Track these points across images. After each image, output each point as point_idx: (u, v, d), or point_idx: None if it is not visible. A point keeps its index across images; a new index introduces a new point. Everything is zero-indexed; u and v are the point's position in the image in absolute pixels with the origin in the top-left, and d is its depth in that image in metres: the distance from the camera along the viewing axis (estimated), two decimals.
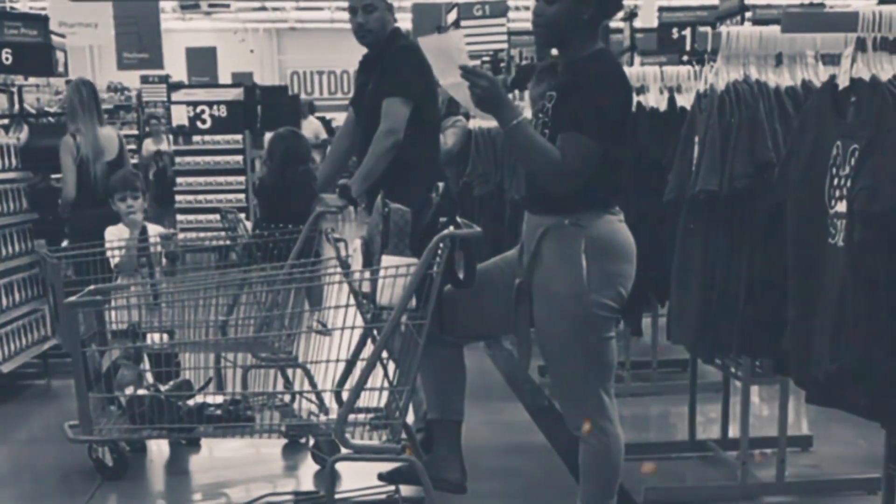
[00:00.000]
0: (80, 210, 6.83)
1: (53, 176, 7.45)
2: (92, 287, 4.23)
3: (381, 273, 3.81)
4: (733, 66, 4.28)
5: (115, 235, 5.59)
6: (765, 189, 4.02)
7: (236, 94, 12.64)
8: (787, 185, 3.62)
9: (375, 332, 4.00)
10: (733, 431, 5.15)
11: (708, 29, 5.45)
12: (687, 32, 10.94)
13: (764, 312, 4.12)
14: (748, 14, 8.88)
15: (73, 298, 4.08)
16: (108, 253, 5.32)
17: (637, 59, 10.55)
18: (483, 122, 7.37)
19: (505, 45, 11.97)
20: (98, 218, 6.18)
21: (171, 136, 14.26)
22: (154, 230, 5.80)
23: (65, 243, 6.70)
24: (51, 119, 8.47)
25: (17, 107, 9.04)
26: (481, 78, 3.46)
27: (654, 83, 5.65)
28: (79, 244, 5.26)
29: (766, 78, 4.24)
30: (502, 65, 11.53)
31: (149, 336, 4.78)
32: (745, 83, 4.20)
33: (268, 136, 10.93)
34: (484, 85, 3.44)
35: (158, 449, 5.50)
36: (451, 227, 3.77)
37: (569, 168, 3.49)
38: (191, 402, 4.42)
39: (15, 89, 9.28)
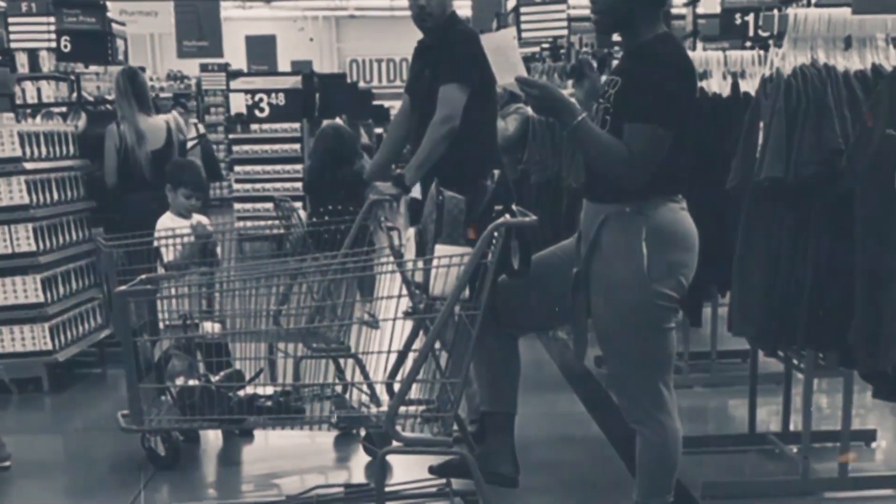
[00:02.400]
0: (128, 196, 6.81)
1: None
2: (144, 276, 4.18)
3: (434, 262, 3.74)
4: (800, 50, 4.19)
5: (167, 226, 5.51)
6: (832, 177, 3.91)
7: (294, 82, 12.66)
8: (856, 173, 3.51)
9: (428, 322, 3.93)
10: (794, 424, 5.06)
11: (774, 11, 5.29)
12: (750, 18, 10.74)
13: (830, 304, 4.02)
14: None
15: (124, 288, 4.03)
16: (160, 243, 5.26)
17: (699, 45, 10.40)
18: None
19: (565, 32, 11.79)
20: (146, 204, 6.16)
21: (197, 122, 14.11)
22: (202, 221, 5.70)
23: None
24: (108, 107, 8.48)
25: (75, 94, 9.10)
26: (533, 87, 3.47)
27: (717, 68, 5.54)
28: (131, 231, 5.23)
29: (835, 62, 4.16)
30: (562, 51, 11.38)
31: (201, 325, 4.73)
32: (812, 67, 4.11)
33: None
34: (536, 94, 3.47)
35: (213, 437, 5.50)
36: (507, 216, 3.69)
37: (637, 161, 3.43)
38: (241, 393, 4.37)
39: (74, 77, 9.35)
